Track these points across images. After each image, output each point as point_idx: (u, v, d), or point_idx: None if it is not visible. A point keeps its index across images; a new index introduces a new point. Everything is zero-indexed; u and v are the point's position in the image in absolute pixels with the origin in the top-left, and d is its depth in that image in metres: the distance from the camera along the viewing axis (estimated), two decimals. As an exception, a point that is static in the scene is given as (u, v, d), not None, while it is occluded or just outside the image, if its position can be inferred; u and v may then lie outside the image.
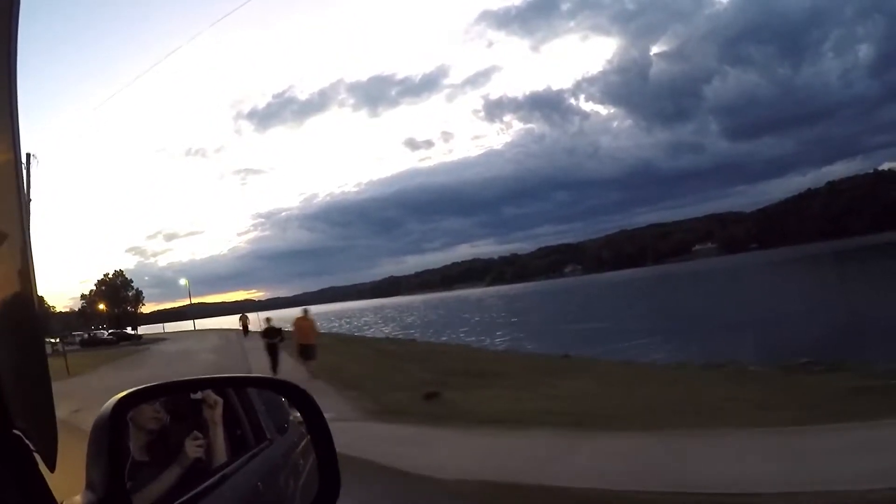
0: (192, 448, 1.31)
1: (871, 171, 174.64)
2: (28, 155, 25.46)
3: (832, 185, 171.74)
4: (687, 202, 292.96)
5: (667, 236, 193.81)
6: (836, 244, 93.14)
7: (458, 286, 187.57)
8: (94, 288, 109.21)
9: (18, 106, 1.05)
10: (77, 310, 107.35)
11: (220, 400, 1.44)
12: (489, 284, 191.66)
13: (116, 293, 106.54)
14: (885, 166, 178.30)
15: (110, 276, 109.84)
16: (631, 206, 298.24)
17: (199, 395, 1.42)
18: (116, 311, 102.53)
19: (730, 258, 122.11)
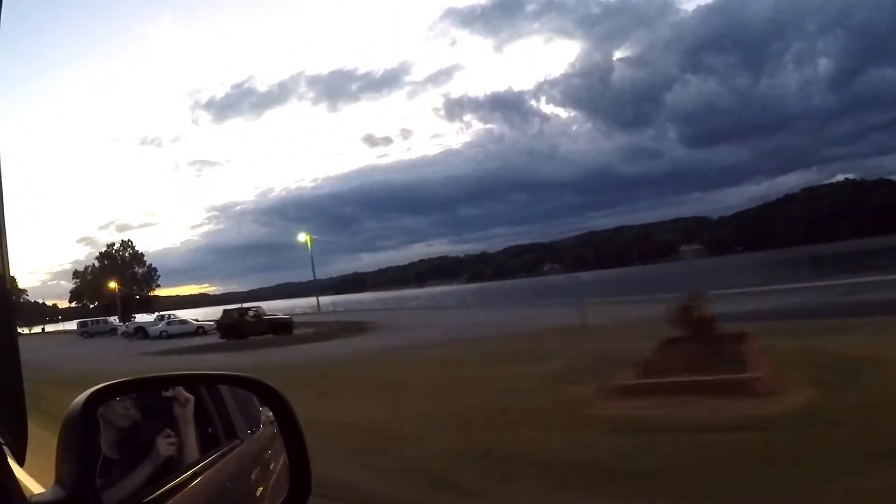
0: (164, 446, 1.31)
1: (841, 180, 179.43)
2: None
3: (811, 192, 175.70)
4: (642, 207, 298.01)
5: (649, 237, 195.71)
6: (819, 248, 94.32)
7: (429, 283, 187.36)
8: (96, 263, 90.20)
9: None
10: (71, 290, 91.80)
11: (191, 398, 1.43)
12: (467, 281, 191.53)
13: (124, 270, 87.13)
14: (840, 178, 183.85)
15: (115, 247, 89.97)
16: (587, 209, 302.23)
17: (170, 393, 1.42)
18: (126, 292, 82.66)
19: (717, 259, 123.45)
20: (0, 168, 1.10)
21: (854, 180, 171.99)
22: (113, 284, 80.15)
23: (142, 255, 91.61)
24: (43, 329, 79.80)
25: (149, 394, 1.40)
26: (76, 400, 1.15)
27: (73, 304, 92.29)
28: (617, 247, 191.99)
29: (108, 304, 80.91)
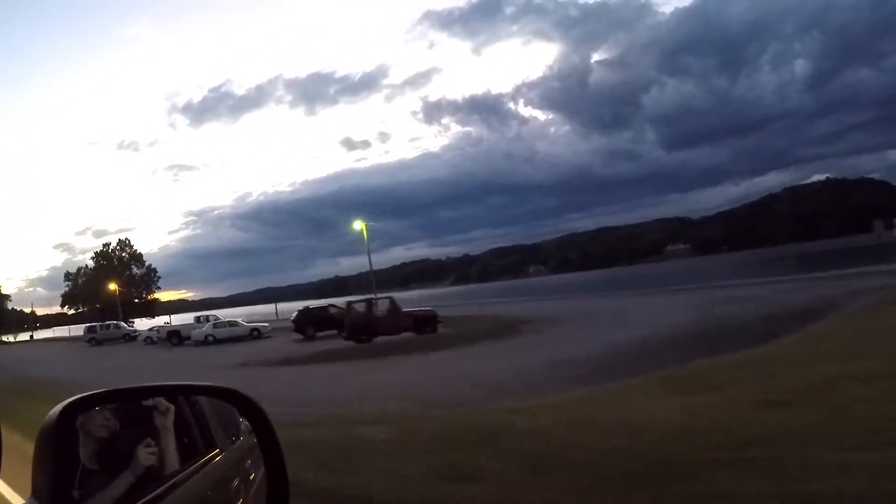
0: (145, 455, 1.31)
1: (822, 179, 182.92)
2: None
3: (794, 191, 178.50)
4: (620, 209, 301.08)
5: (634, 238, 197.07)
6: (804, 246, 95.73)
7: (415, 286, 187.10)
8: (90, 264, 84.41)
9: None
10: (63, 294, 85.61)
11: (171, 407, 1.44)
12: (453, 284, 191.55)
13: (121, 271, 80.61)
14: (815, 178, 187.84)
15: (112, 247, 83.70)
16: (565, 211, 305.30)
17: (150, 402, 1.42)
18: (125, 294, 76.01)
19: (704, 259, 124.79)
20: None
21: (836, 179, 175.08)
22: (112, 286, 72.50)
23: (140, 254, 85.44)
24: (31, 337, 76.03)
25: (129, 404, 1.39)
26: (52, 411, 1.15)
27: (67, 310, 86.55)
28: (602, 248, 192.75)
29: (103, 307, 74.51)
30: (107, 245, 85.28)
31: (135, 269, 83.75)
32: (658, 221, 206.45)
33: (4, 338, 74.19)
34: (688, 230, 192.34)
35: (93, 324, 50.88)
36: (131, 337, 45.50)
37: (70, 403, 1.18)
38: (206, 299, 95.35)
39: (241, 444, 1.67)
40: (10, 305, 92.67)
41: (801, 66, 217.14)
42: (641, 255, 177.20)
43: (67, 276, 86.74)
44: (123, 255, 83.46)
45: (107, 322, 51.80)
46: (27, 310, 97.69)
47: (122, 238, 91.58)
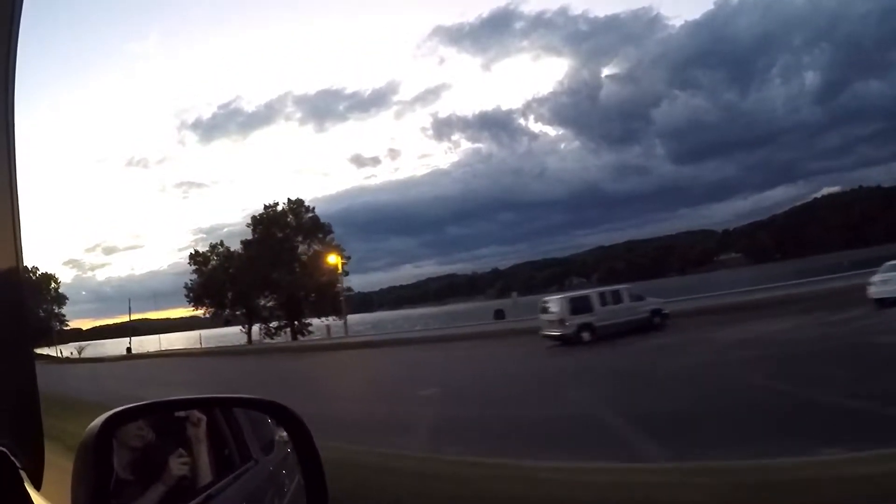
0: (177, 465, 1.32)
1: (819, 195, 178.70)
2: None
3: (833, 198, 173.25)
4: (629, 224, 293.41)
5: (671, 250, 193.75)
6: (855, 254, 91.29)
7: (450, 301, 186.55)
8: (222, 247, 59.65)
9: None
10: (191, 286, 59.03)
11: (203, 417, 1.44)
12: (496, 297, 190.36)
13: (292, 247, 56.99)
14: (824, 192, 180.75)
15: (279, 207, 58.20)
16: (573, 227, 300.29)
17: (183, 413, 1.43)
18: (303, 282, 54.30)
19: (764, 267, 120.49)
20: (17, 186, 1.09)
21: (881, 187, 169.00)
22: (332, 259, 52.35)
23: (325, 224, 58.23)
24: (128, 350, 61.08)
25: (163, 416, 1.41)
26: (92, 424, 1.18)
27: (199, 311, 61.17)
28: (644, 259, 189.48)
29: (250, 307, 55.63)
30: (270, 206, 58.18)
31: (315, 241, 57.33)
32: (684, 234, 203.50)
33: (50, 351, 62.83)
34: (729, 240, 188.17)
35: (580, 293, 25.61)
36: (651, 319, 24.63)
37: (109, 417, 1.20)
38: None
39: (275, 456, 1.67)
40: (56, 310, 76.56)
41: (810, 79, 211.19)
42: (693, 265, 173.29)
43: (195, 257, 60.40)
44: (300, 219, 57.83)
45: (604, 289, 25.36)
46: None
47: (294, 198, 59.07)
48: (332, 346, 41.32)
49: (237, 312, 59.56)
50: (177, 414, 1.43)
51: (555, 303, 24.17)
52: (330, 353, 38.05)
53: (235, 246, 59.72)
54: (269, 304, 57.90)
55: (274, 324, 57.44)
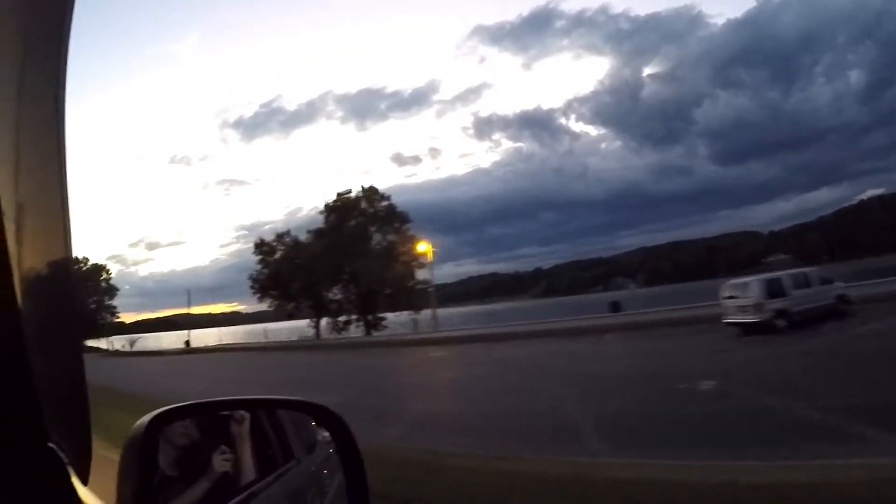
0: (220, 462, 1.34)
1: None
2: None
3: (883, 200, 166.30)
4: (672, 225, 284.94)
5: (718, 251, 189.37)
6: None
7: (495, 299, 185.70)
8: (323, 218, 55.31)
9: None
10: (258, 278, 55.84)
11: (246, 415, 1.47)
12: (542, 296, 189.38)
13: (365, 235, 53.97)
14: (869, 193, 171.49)
15: (354, 195, 54.96)
16: (614, 228, 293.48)
17: (226, 412, 1.46)
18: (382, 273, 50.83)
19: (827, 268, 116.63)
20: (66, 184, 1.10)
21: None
22: (421, 246, 49.21)
23: (401, 212, 55.03)
24: (187, 343, 59.84)
25: (208, 415, 1.43)
26: (139, 422, 1.20)
27: (265, 304, 58.34)
28: (689, 259, 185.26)
29: (319, 299, 52.37)
30: (343, 194, 54.20)
31: (391, 230, 53.34)
32: (728, 235, 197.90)
33: (99, 343, 65.74)
34: (776, 242, 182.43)
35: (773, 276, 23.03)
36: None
37: (156, 416, 1.23)
38: (257, 312, 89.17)
39: (317, 455, 1.69)
40: (107, 301, 77.18)
41: (855, 77, 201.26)
42: (741, 266, 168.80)
43: (261, 247, 56.70)
44: (373, 207, 53.90)
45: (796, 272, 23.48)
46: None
47: (366, 185, 57.01)
48: (451, 340, 35.10)
49: (302, 305, 56.19)
50: (221, 413, 1.45)
51: (748, 286, 22.01)
52: (461, 345, 32.34)
53: (300, 236, 57.20)
54: (338, 297, 54.78)
55: (343, 318, 53.93)
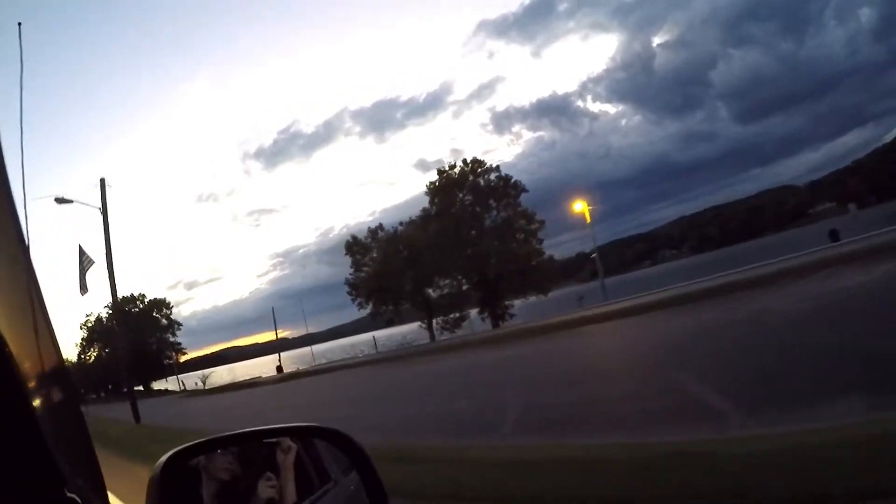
0: (265, 489, 1.37)
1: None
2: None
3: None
4: (706, 192, 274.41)
5: (759, 210, 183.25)
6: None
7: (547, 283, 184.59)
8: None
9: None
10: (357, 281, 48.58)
11: (294, 446, 1.52)
12: (588, 280, 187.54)
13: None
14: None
15: (458, 171, 46.72)
16: (646, 203, 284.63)
17: (274, 440, 1.50)
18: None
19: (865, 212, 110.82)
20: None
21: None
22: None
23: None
24: (279, 369, 48.13)
25: (253, 446, 1.49)
26: (159, 461, 1.19)
27: (364, 308, 51.44)
28: (735, 222, 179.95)
29: (427, 295, 47.50)
30: (446, 172, 47.54)
31: (502, 212, 46.72)
32: (766, 192, 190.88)
33: (165, 384, 63.77)
34: (818, 191, 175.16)
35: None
36: None
37: (174, 453, 1.23)
38: (305, 335, 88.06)
39: (353, 477, 1.70)
40: (170, 338, 73.24)
41: (866, 16, 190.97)
42: (789, 220, 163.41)
43: (353, 245, 50.92)
44: (482, 182, 46.89)
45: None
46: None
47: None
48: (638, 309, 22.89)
49: (401, 308, 50.30)
50: (266, 440, 1.51)
51: None
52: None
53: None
54: (445, 290, 47.58)
55: (454, 314, 47.10)
